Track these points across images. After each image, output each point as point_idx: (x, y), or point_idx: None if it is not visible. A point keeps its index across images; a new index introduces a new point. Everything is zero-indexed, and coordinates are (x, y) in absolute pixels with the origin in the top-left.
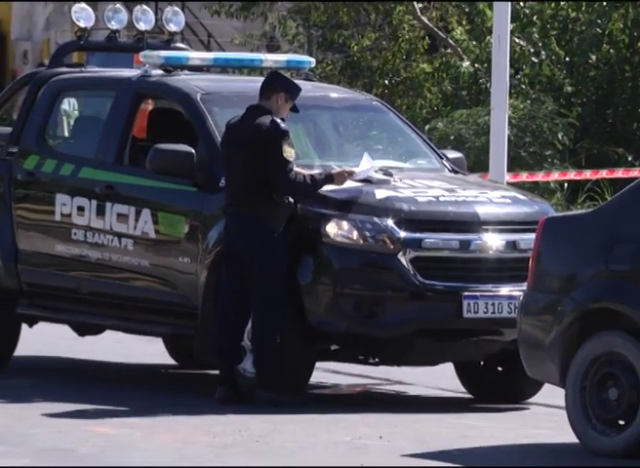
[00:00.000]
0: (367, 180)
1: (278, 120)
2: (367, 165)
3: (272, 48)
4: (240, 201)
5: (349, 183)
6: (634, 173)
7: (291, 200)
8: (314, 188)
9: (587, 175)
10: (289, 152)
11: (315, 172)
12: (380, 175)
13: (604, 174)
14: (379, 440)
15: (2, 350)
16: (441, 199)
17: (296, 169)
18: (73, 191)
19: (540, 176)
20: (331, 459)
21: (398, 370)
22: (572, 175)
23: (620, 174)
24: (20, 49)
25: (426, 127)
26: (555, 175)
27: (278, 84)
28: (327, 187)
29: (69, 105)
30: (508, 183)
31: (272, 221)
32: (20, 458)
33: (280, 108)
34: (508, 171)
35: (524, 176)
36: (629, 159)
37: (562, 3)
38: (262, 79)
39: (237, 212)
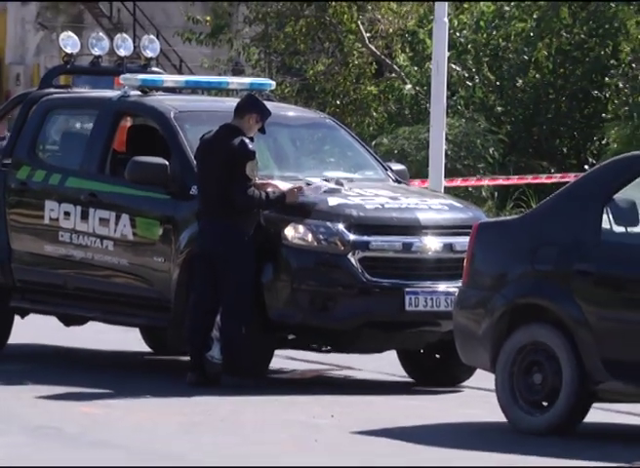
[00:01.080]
0: (321, 189)
1: (247, 140)
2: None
3: (237, 72)
4: (213, 209)
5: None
6: (555, 178)
7: (242, 207)
8: (268, 205)
9: (515, 179)
10: (250, 171)
11: (270, 190)
12: (332, 185)
13: (529, 179)
14: (330, 419)
15: None
16: (386, 206)
17: (257, 182)
18: (60, 198)
19: (472, 181)
20: (288, 436)
21: (348, 357)
22: (500, 180)
23: (543, 179)
24: (13, 72)
25: (373, 142)
26: (486, 181)
27: (253, 106)
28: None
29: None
30: (446, 190)
31: (242, 227)
32: (13, 436)
33: (251, 128)
34: (445, 181)
35: (459, 181)
36: (552, 171)
37: (494, 33)
38: (229, 99)
39: (211, 218)
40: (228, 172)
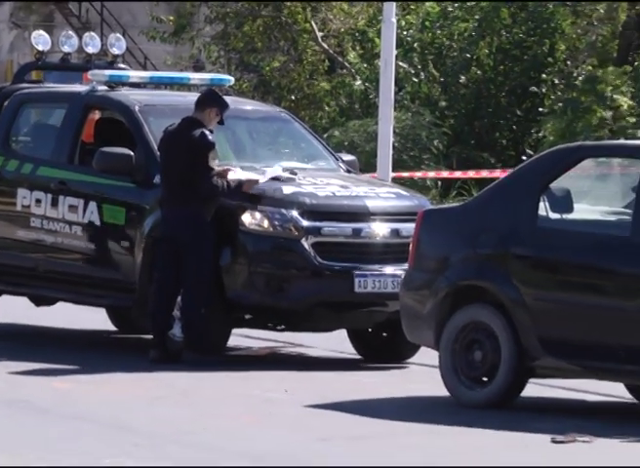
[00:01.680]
0: (276, 178)
1: (207, 132)
2: (275, 172)
3: (198, 68)
4: (176, 196)
5: (262, 181)
6: (496, 173)
7: (212, 197)
8: (229, 193)
9: (458, 174)
10: (212, 161)
11: (230, 178)
12: (286, 174)
13: (471, 174)
14: (284, 393)
15: None
16: (337, 194)
17: (217, 169)
18: (32, 186)
19: (419, 175)
20: (244, 409)
21: (301, 336)
22: (445, 174)
23: (484, 174)
24: None
25: (325, 134)
26: (431, 174)
27: (213, 101)
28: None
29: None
30: (393, 180)
31: (203, 214)
32: None
33: (211, 121)
34: (392, 171)
35: (405, 174)
36: (492, 162)
37: (438, 32)
38: (190, 94)
39: (174, 206)
40: (191, 162)
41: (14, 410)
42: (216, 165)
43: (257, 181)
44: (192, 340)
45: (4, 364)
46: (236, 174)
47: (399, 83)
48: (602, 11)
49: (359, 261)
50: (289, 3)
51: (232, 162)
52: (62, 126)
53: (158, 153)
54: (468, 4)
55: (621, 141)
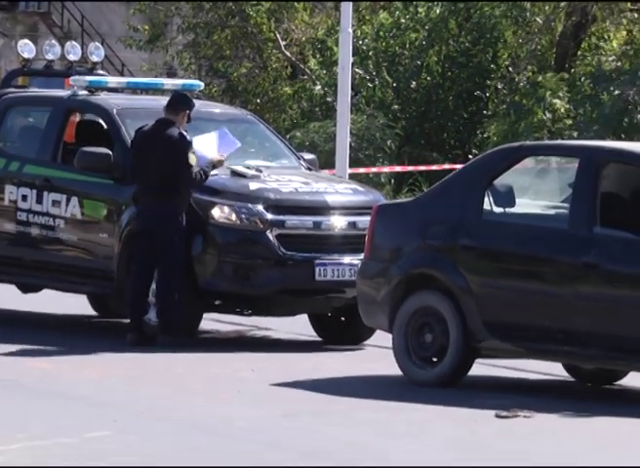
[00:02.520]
0: (242, 175)
1: (184, 133)
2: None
3: (171, 74)
4: (153, 192)
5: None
6: (444, 166)
7: (190, 191)
8: (207, 178)
9: (409, 168)
10: (192, 158)
11: (203, 166)
12: (252, 172)
13: (422, 167)
14: (251, 372)
15: None
16: (299, 190)
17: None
18: (18, 183)
19: (374, 170)
20: (214, 387)
21: (266, 320)
22: (398, 168)
23: (434, 167)
24: None
25: (288, 135)
26: (385, 169)
27: (185, 103)
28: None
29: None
30: (350, 177)
31: (178, 208)
32: None
33: (183, 121)
34: (349, 168)
35: (361, 170)
36: (441, 160)
37: (391, 42)
38: (163, 98)
39: (150, 200)
40: (171, 160)
41: (2, 389)
42: (195, 161)
43: (222, 161)
44: (166, 324)
45: None
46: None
47: (355, 88)
48: (541, 21)
49: (319, 252)
50: (254, 14)
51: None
52: (46, 127)
53: (132, 152)
54: (418, 16)
55: (559, 141)
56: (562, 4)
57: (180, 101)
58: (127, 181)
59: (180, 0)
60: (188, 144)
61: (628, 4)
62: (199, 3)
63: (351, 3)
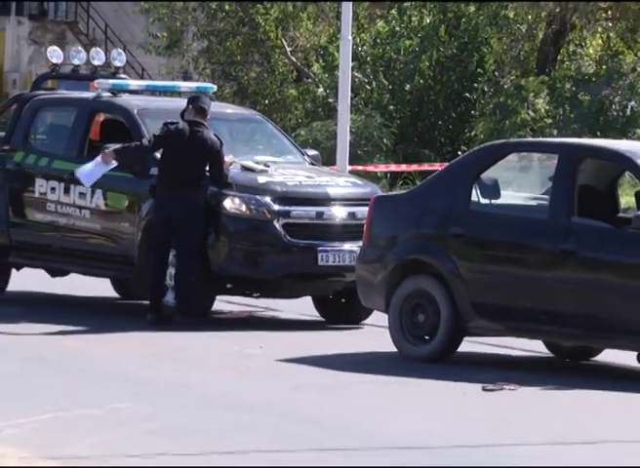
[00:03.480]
0: (252, 170)
1: (217, 135)
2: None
3: (187, 78)
4: (178, 184)
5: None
6: (435, 166)
7: (208, 185)
8: (229, 174)
9: (403, 167)
10: (229, 158)
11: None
12: (261, 167)
13: (415, 166)
14: (259, 349)
15: None
16: (303, 183)
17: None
18: (48, 177)
19: (371, 168)
20: (226, 363)
21: (273, 301)
22: (393, 167)
23: (426, 167)
24: (10, 78)
25: (293, 133)
26: (381, 167)
27: (205, 109)
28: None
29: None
30: (350, 172)
31: (198, 199)
32: (10, 362)
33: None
34: (349, 164)
35: (360, 167)
36: (432, 156)
37: (387, 48)
38: (179, 99)
39: (175, 192)
40: (203, 158)
41: (31, 365)
42: (230, 159)
43: (233, 162)
44: (183, 305)
45: (24, 325)
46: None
47: (354, 90)
48: (523, 29)
49: (322, 239)
50: (263, 23)
51: None
52: (73, 126)
53: (161, 147)
54: (412, 24)
55: (540, 139)
56: (543, 14)
57: (208, 106)
58: (146, 175)
59: None
60: (222, 144)
61: (603, 14)
62: (213, 12)
63: (351, 13)
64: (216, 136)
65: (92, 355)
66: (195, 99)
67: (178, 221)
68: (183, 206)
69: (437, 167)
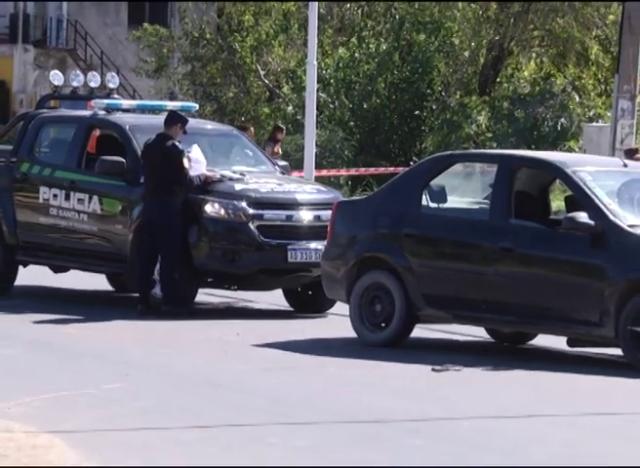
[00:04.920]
0: (229, 178)
1: (176, 143)
2: (198, 153)
3: (172, 98)
4: (155, 191)
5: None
6: (389, 170)
7: (184, 191)
8: (197, 185)
9: (362, 170)
10: (185, 163)
11: (194, 177)
12: (237, 176)
13: (372, 170)
14: (236, 336)
15: (7, 281)
16: (275, 190)
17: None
18: (50, 185)
19: (334, 172)
20: (207, 348)
21: (248, 293)
22: (353, 170)
23: (381, 170)
24: (18, 98)
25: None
26: (343, 172)
27: (175, 119)
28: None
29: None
30: (315, 179)
31: (174, 204)
32: (18, 347)
33: (177, 134)
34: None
35: (324, 172)
36: (388, 166)
37: (348, 71)
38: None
39: (154, 198)
40: (168, 166)
41: (36, 350)
42: (188, 165)
43: (212, 176)
44: (169, 297)
45: (30, 316)
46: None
47: (320, 108)
48: (467, 55)
49: (291, 239)
50: (240, 50)
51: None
52: (72, 140)
53: (142, 160)
54: (370, 50)
55: (482, 151)
56: (484, 41)
57: (172, 118)
58: (137, 183)
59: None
60: (180, 152)
61: (537, 41)
62: (196, 40)
63: (316, 41)
64: (174, 144)
65: (89, 341)
66: (167, 114)
67: (157, 224)
68: (160, 210)
69: (391, 170)
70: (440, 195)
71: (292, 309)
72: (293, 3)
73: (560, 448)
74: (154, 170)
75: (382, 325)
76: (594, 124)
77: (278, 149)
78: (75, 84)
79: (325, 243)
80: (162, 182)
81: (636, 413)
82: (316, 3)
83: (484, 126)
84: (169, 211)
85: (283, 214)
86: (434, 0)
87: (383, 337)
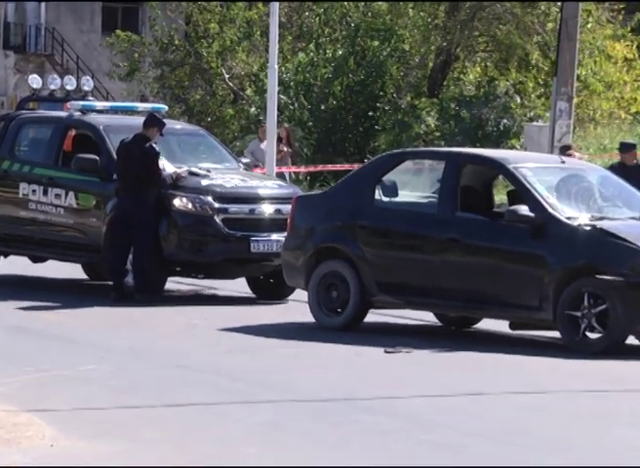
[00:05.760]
0: (196, 174)
1: (154, 144)
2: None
3: (143, 99)
4: (130, 188)
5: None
6: (345, 167)
7: (157, 188)
8: (169, 183)
9: (320, 167)
10: (161, 164)
11: (167, 175)
12: (204, 172)
13: (329, 167)
14: (204, 320)
15: None
16: (238, 185)
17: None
18: (30, 181)
19: (294, 168)
20: (175, 331)
21: (214, 281)
22: (311, 167)
23: (338, 167)
24: None
25: (230, 145)
26: (302, 169)
27: (155, 122)
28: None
29: None
30: (276, 174)
31: (147, 199)
32: None
33: (154, 135)
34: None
35: (284, 169)
36: (343, 162)
37: (307, 75)
38: (138, 117)
39: (129, 193)
40: (144, 165)
41: (16, 334)
42: (162, 166)
43: (182, 173)
44: (140, 285)
45: (11, 303)
46: (168, 168)
47: (280, 109)
48: (417, 60)
49: (254, 231)
50: (206, 55)
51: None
52: (50, 139)
53: (116, 158)
54: (327, 55)
55: (431, 149)
56: (432, 47)
57: (151, 121)
58: (110, 180)
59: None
60: (157, 154)
61: (481, 47)
62: (165, 46)
63: (277, 46)
64: (152, 145)
65: (66, 326)
66: (147, 116)
67: (131, 218)
68: (134, 205)
69: (347, 167)
70: (392, 190)
71: (254, 296)
72: (255, 12)
73: (500, 422)
74: (130, 167)
75: (338, 310)
76: (534, 124)
77: (286, 148)
78: (53, 87)
79: (285, 234)
80: (137, 180)
81: (572, 391)
82: (277, 12)
83: (432, 126)
84: (143, 206)
85: (246, 207)
86: (388, 0)
87: (339, 322)
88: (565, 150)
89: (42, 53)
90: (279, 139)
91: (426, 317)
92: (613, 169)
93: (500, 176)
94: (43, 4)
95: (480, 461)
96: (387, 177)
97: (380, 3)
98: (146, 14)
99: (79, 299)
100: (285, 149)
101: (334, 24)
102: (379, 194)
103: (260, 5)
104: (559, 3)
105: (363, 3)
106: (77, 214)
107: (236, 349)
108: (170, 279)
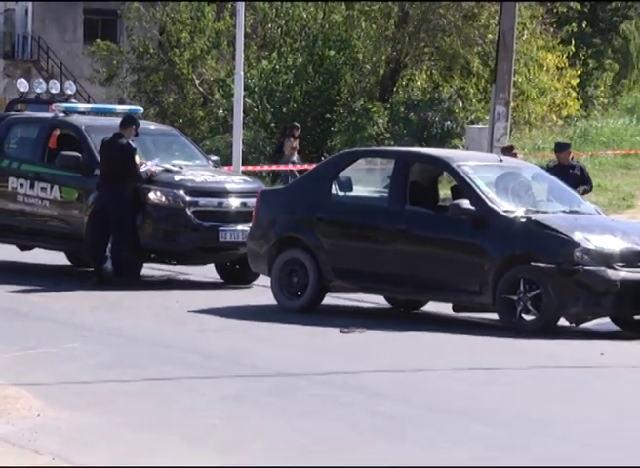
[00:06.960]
0: (170, 170)
1: (131, 142)
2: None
3: (121, 102)
4: (109, 182)
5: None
6: (305, 166)
7: (134, 182)
8: (145, 178)
9: (282, 166)
10: (137, 159)
11: (143, 171)
12: (176, 168)
13: (290, 166)
14: (176, 303)
15: None
16: (208, 180)
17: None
18: (18, 176)
19: (258, 166)
20: (150, 313)
21: (186, 268)
22: (274, 166)
23: (297, 167)
24: None
25: (200, 144)
26: (266, 167)
27: (131, 122)
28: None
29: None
30: (242, 172)
31: (126, 193)
32: None
33: (131, 134)
34: (242, 166)
35: (249, 167)
36: (302, 161)
37: (270, 81)
38: (117, 118)
39: (108, 187)
40: (121, 161)
41: (5, 315)
42: (139, 161)
43: (157, 171)
44: (118, 271)
45: (0, 286)
46: (146, 166)
47: (246, 112)
48: (369, 67)
49: (222, 222)
50: (179, 62)
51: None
52: (36, 138)
53: (98, 155)
54: (287, 64)
55: (382, 148)
56: (383, 56)
57: (128, 121)
58: (91, 175)
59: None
60: (133, 150)
61: (427, 57)
62: (141, 54)
63: (243, 55)
64: (129, 143)
65: (51, 308)
66: (124, 117)
67: (110, 210)
68: (113, 198)
69: (306, 165)
70: (347, 185)
71: (222, 281)
72: (223, 23)
73: (444, 395)
74: (109, 163)
75: (298, 294)
76: (475, 126)
77: (296, 145)
78: (39, 90)
79: (250, 225)
80: (115, 174)
81: (509, 368)
82: (242, 23)
83: (383, 127)
84: (121, 199)
85: (215, 200)
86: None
87: (299, 304)
88: (509, 150)
89: (29, 59)
90: (292, 136)
91: (378, 300)
92: (549, 169)
93: (445, 173)
94: (30, 15)
95: (425, 430)
96: (343, 174)
97: (336, 16)
98: (124, 24)
99: (62, 284)
100: (295, 145)
101: (294, 35)
102: (335, 189)
103: (227, 17)
104: (497, 17)
105: (321, 16)
106: (61, 206)
107: (205, 329)
108: (145, 265)
